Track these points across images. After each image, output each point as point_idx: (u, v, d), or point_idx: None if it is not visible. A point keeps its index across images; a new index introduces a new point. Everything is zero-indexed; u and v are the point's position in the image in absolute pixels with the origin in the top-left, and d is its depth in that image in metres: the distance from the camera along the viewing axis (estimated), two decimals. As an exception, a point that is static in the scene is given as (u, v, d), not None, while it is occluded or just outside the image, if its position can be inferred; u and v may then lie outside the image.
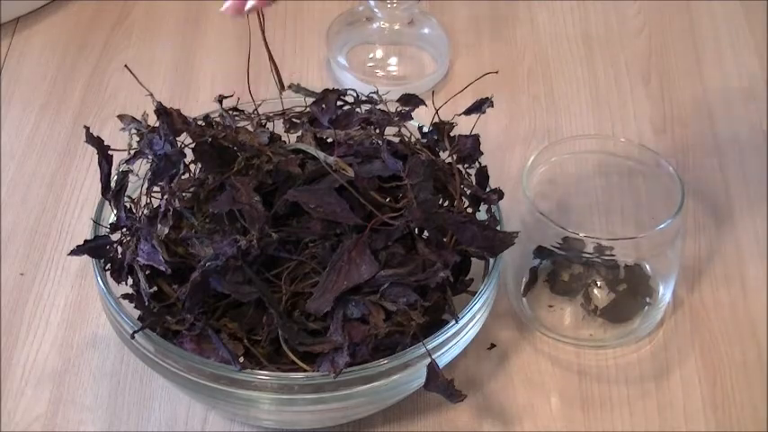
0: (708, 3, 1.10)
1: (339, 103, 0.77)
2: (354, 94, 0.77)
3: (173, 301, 0.70)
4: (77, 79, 1.03)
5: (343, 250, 0.68)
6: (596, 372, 0.80)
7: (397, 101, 0.78)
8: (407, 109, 0.77)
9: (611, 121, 0.98)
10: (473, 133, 0.77)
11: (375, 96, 0.77)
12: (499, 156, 0.82)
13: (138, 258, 0.69)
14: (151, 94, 0.69)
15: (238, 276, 0.68)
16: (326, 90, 0.77)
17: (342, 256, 0.68)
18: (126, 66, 0.72)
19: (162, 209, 0.68)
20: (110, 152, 0.72)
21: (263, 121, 0.76)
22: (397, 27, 1.04)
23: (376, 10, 1.04)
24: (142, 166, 0.71)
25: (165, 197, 0.68)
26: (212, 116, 0.75)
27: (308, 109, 0.77)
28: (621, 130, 0.96)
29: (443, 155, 0.76)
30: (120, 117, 0.71)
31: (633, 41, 1.07)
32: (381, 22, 1.04)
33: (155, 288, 0.71)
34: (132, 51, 1.06)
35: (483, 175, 0.77)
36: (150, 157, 0.69)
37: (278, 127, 0.77)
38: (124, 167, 0.71)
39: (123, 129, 0.70)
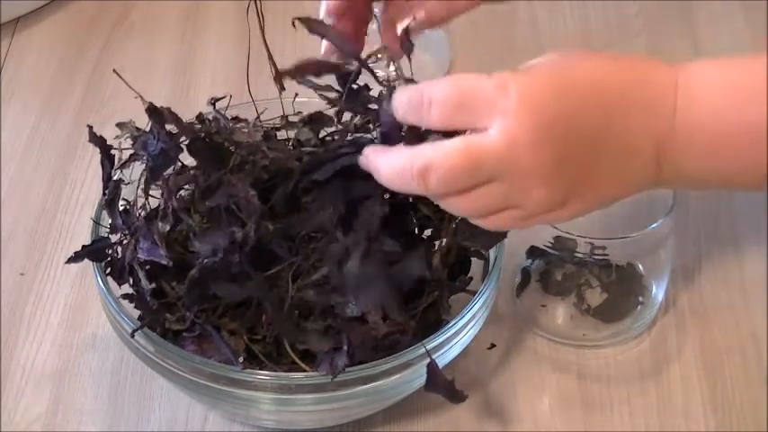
0: (708, 3, 1.10)
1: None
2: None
3: (173, 301, 0.70)
4: (77, 79, 1.03)
5: None
6: (596, 371, 0.80)
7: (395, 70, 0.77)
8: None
9: (611, 121, 0.98)
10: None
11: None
12: (499, 156, 0.83)
13: (139, 255, 0.69)
14: (140, 96, 0.69)
15: (234, 270, 0.67)
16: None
17: None
18: (114, 70, 0.72)
19: (161, 206, 0.68)
20: (112, 152, 0.72)
21: (264, 126, 0.76)
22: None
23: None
24: (136, 172, 0.71)
25: (164, 196, 0.68)
26: (207, 116, 0.74)
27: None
28: (621, 130, 0.96)
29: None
30: (120, 126, 0.70)
31: (633, 41, 1.06)
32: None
33: (153, 285, 0.70)
34: (132, 51, 1.06)
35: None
36: (145, 157, 0.69)
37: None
38: (117, 176, 0.71)
39: (117, 137, 0.70)
